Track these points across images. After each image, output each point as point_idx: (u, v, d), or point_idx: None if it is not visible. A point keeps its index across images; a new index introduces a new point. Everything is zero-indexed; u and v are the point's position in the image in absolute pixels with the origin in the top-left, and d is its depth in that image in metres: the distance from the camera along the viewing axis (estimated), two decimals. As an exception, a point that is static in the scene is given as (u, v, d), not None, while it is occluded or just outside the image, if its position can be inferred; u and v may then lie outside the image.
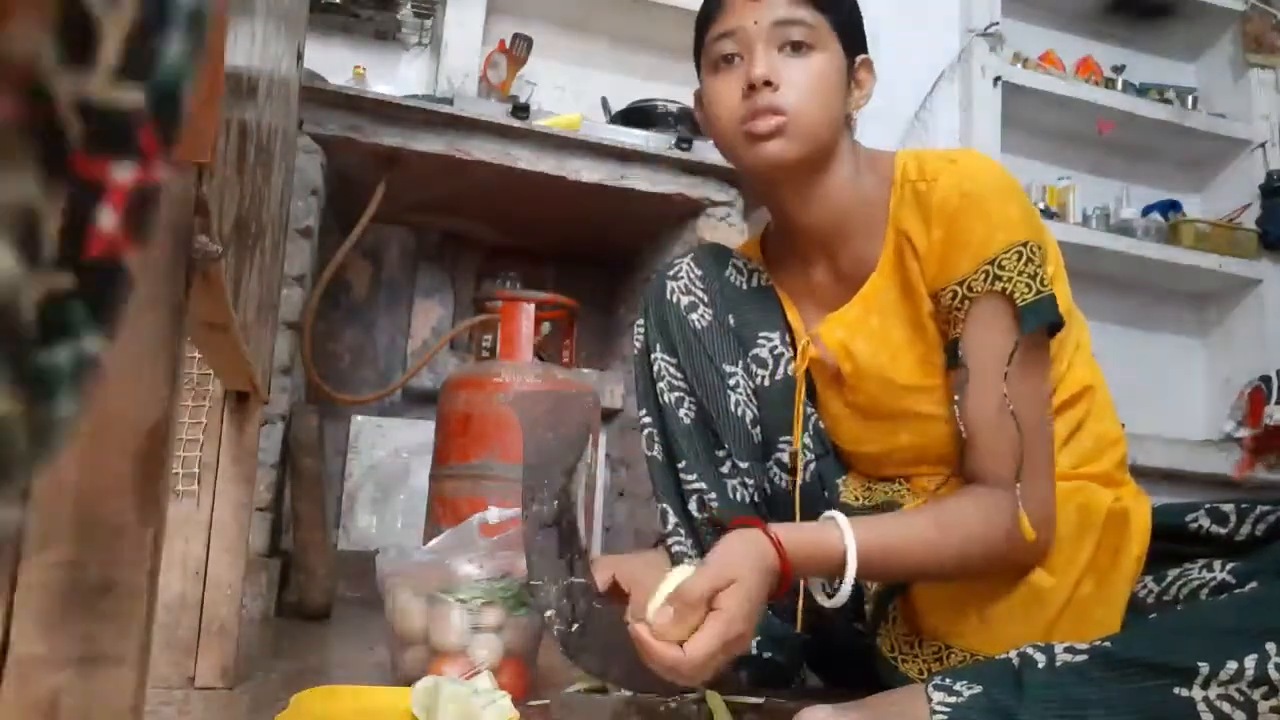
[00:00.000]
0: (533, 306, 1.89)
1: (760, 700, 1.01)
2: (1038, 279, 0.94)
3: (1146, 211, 3.08)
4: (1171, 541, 0.97)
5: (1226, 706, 0.70)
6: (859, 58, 1.05)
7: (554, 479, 0.93)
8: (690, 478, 1.09)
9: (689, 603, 0.78)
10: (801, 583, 1.03)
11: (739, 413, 1.09)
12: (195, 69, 0.20)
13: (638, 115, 2.31)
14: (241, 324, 0.72)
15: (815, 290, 1.11)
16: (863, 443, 1.09)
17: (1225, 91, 3.20)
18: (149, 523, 0.45)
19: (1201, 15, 3.17)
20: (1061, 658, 0.77)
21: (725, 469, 1.10)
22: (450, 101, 2.02)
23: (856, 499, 1.09)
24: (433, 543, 1.08)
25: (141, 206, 0.19)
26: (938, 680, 0.80)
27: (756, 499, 1.10)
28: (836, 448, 1.12)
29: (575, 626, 0.90)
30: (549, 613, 0.90)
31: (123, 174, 0.19)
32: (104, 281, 0.19)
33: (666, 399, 1.10)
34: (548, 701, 0.99)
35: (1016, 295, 0.93)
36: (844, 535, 0.88)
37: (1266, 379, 2.89)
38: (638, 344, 1.16)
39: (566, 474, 0.94)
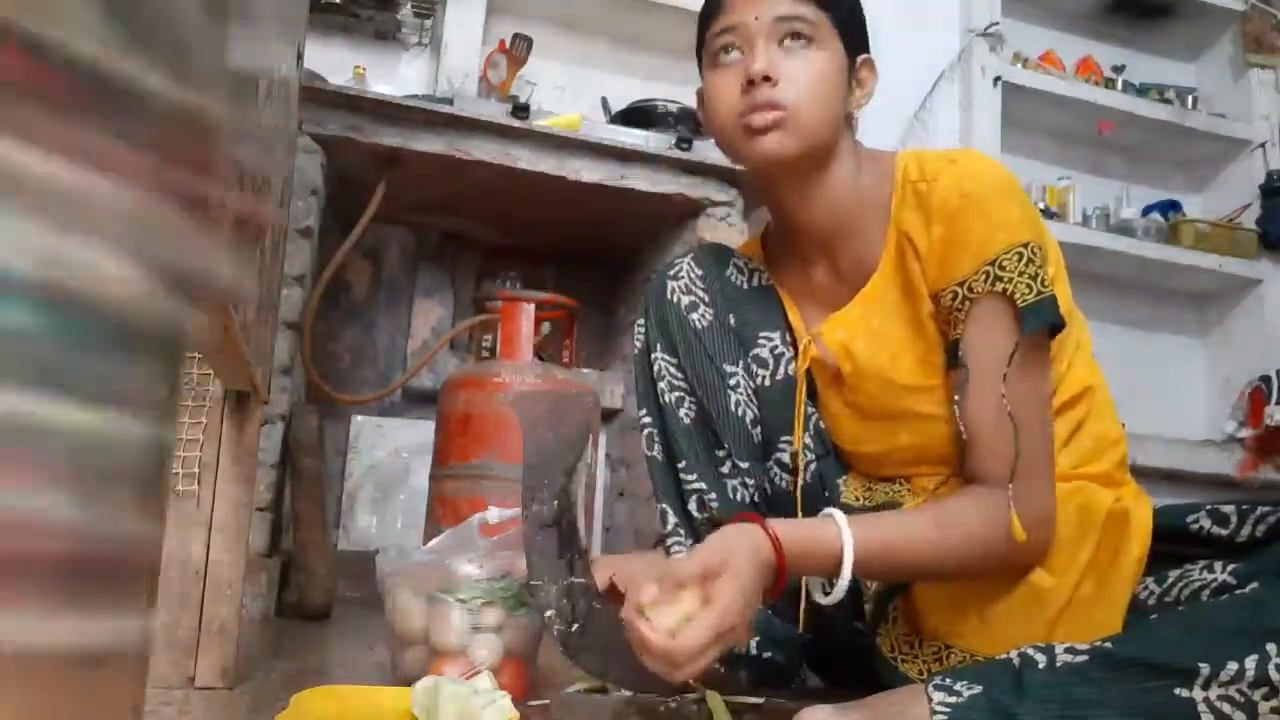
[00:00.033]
0: (533, 306, 1.89)
1: (760, 700, 1.01)
2: (1038, 279, 0.94)
3: (1146, 211, 3.07)
4: (1172, 542, 0.97)
5: (1227, 707, 0.70)
6: (861, 57, 1.04)
7: (554, 479, 0.93)
8: (690, 478, 1.09)
9: (678, 581, 0.78)
10: (802, 582, 1.03)
11: (739, 413, 1.09)
12: None
13: (638, 115, 2.31)
14: (241, 324, 0.72)
15: (816, 290, 1.10)
16: (862, 443, 1.09)
17: (1225, 91, 3.20)
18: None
19: (1201, 15, 3.17)
20: (1062, 658, 0.77)
21: (725, 469, 1.10)
22: (450, 101, 2.02)
23: (857, 499, 1.09)
24: (433, 543, 1.08)
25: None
26: (938, 680, 0.80)
27: (757, 499, 1.10)
28: (837, 448, 1.12)
29: (575, 626, 0.90)
30: (549, 613, 0.90)
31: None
32: None
33: (667, 399, 1.10)
34: (548, 701, 0.99)
35: (1017, 296, 0.93)
36: (841, 532, 0.88)
37: (1267, 379, 2.89)
38: (638, 344, 1.15)
39: (566, 474, 0.94)
